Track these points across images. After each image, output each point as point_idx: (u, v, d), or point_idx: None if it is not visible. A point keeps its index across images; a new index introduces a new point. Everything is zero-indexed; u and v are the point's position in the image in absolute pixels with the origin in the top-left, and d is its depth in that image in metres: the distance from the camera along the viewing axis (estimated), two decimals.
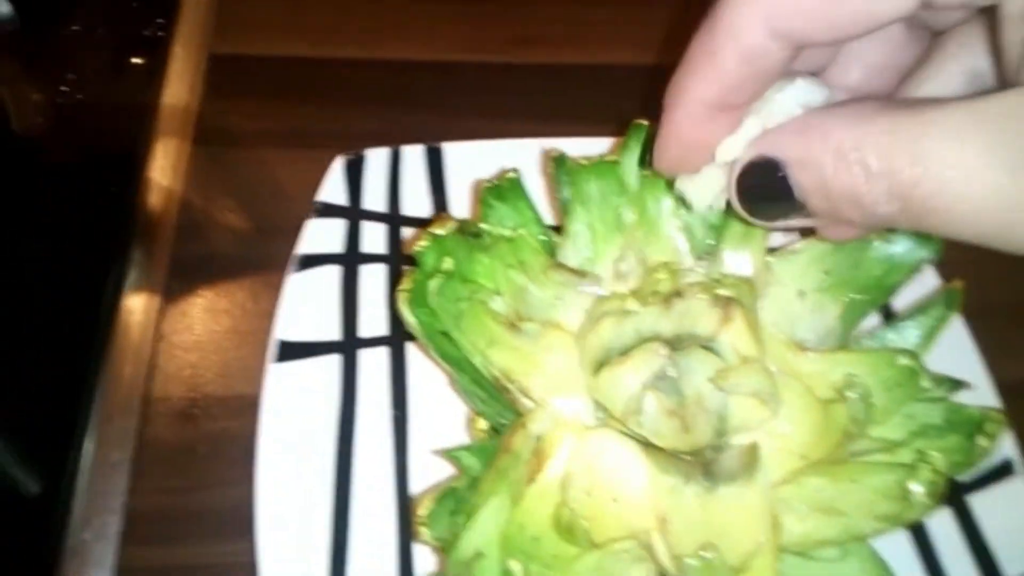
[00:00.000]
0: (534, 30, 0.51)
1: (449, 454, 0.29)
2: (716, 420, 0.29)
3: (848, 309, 0.32)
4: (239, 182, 0.42)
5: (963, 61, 0.21)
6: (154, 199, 0.41)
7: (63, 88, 0.43)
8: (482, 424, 0.31)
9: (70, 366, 0.36)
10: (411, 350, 0.36)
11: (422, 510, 0.27)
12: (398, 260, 0.38)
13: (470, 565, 0.26)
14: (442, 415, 0.35)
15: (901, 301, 0.36)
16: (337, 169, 0.39)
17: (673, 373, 0.28)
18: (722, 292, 0.29)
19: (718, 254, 0.32)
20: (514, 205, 0.32)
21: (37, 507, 0.33)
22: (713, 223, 0.32)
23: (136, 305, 0.38)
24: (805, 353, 0.30)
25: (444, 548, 0.27)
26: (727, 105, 0.21)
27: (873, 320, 0.35)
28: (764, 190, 0.20)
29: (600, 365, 0.29)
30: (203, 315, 0.38)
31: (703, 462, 0.29)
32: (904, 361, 0.29)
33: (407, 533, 0.33)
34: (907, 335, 0.31)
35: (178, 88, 0.45)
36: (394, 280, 0.38)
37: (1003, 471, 0.35)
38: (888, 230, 0.31)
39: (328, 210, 0.38)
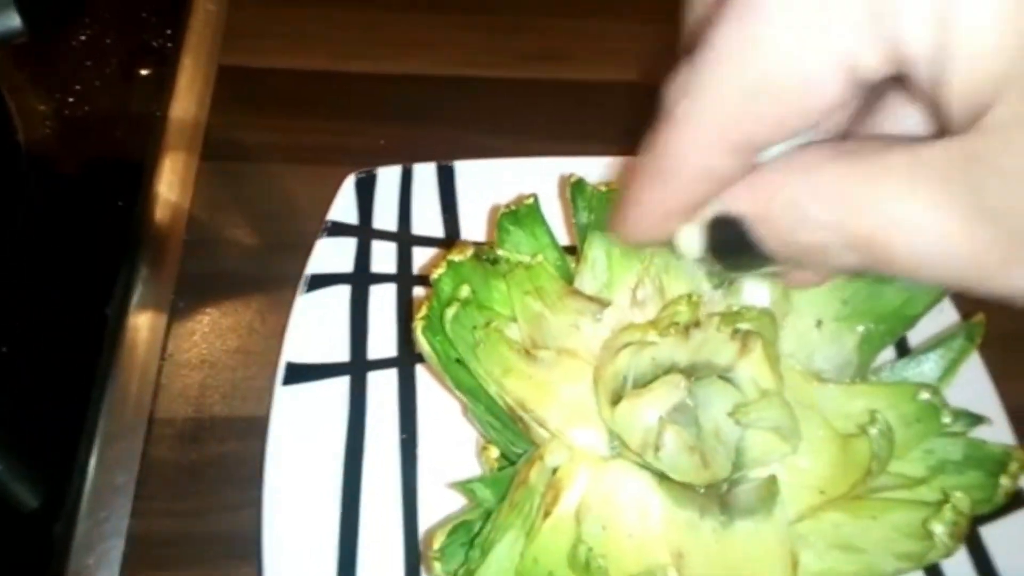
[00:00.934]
0: (546, 45, 0.50)
1: (463, 487, 0.29)
2: (733, 453, 0.28)
3: (865, 340, 0.31)
4: (247, 197, 0.42)
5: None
6: (161, 214, 0.40)
7: (70, 99, 0.43)
8: (494, 452, 0.30)
9: (74, 385, 0.35)
10: (420, 372, 0.36)
11: (436, 544, 0.27)
12: (408, 280, 0.38)
13: None
14: (451, 439, 0.34)
15: (915, 334, 0.36)
16: (348, 187, 0.39)
17: (691, 404, 0.28)
18: (743, 326, 0.28)
19: (736, 283, 0.31)
20: (531, 231, 0.32)
21: (40, 530, 0.32)
22: None
23: (142, 323, 0.37)
24: (824, 385, 0.30)
25: None
26: (687, 209, 0.20)
27: (889, 353, 0.34)
28: (733, 244, 0.20)
29: (616, 395, 0.29)
30: (210, 334, 0.38)
31: (719, 496, 0.28)
32: (925, 396, 0.28)
33: (414, 558, 0.32)
34: (926, 368, 0.31)
35: (186, 100, 0.44)
36: (404, 300, 0.37)
37: (1015, 502, 0.34)
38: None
39: (338, 229, 0.38)
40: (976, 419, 0.29)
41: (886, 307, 0.31)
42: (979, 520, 0.34)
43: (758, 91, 0.17)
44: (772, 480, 0.28)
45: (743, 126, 0.17)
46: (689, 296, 0.30)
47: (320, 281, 0.36)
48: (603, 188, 0.31)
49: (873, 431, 0.27)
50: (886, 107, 0.21)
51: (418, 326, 0.28)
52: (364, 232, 0.38)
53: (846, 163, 0.17)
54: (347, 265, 0.37)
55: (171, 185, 0.41)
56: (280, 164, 0.43)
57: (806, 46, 0.16)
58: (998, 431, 0.34)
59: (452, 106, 0.47)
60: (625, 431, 0.28)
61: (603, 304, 0.31)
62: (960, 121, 0.16)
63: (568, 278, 0.32)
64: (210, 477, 0.34)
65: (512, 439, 0.30)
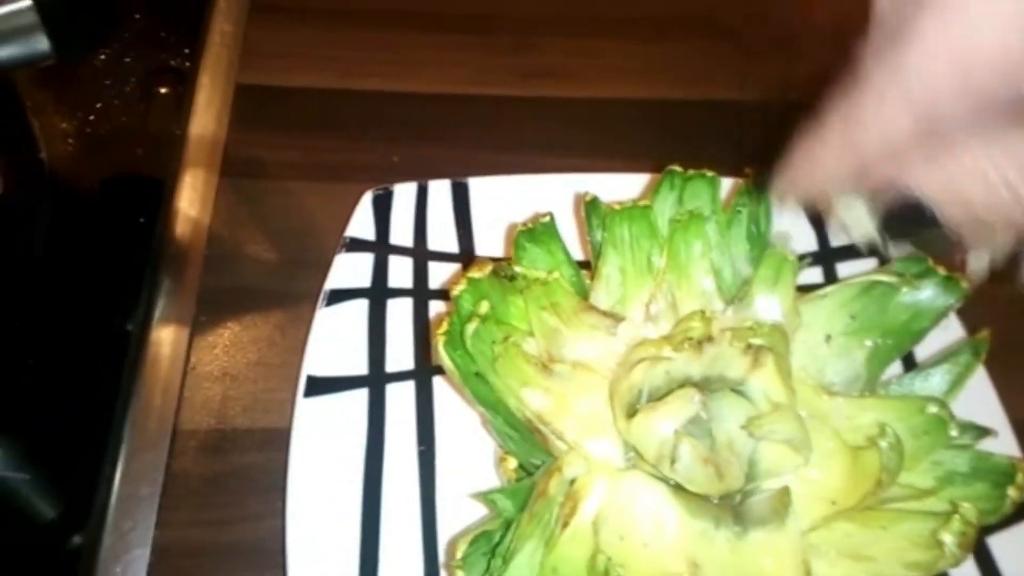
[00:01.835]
0: (548, 64, 0.51)
1: (484, 497, 0.30)
2: (747, 465, 0.29)
3: (873, 354, 0.32)
4: (266, 214, 0.43)
5: None
6: (182, 230, 0.41)
7: (91, 118, 0.44)
8: (512, 463, 0.31)
9: (98, 398, 0.36)
10: (437, 384, 0.37)
11: (458, 553, 0.27)
12: (425, 294, 0.39)
13: None
14: (469, 450, 0.35)
15: (921, 349, 0.37)
16: (365, 204, 0.40)
17: (705, 416, 0.29)
18: (755, 341, 0.29)
19: (747, 298, 0.32)
20: (547, 248, 0.32)
21: (66, 542, 0.33)
22: (739, 270, 0.33)
23: (164, 336, 0.38)
24: (834, 398, 0.31)
25: None
26: (861, 174, 0.20)
27: (897, 368, 0.35)
28: (913, 225, 0.20)
29: (632, 408, 0.29)
30: (231, 347, 0.39)
31: (733, 506, 0.29)
32: (933, 409, 0.29)
33: (434, 566, 0.33)
34: (934, 382, 0.32)
35: (205, 118, 0.45)
36: (421, 314, 0.38)
37: (1021, 513, 0.35)
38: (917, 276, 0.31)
39: (356, 245, 0.39)
40: (982, 431, 0.30)
41: (894, 322, 0.32)
42: (986, 530, 0.35)
43: (968, 65, 0.17)
44: (785, 491, 0.29)
45: (947, 100, 0.18)
46: (702, 312, 0.30)
47: (339, 296, 0.37)
48: (616, 206, 0.32)
49: (883, 443, 0.28)
50: None
51: (439, 341, 0.29)
52: (381, 248, 0.39)
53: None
54: (365, 280, 0.38)
55: (191, 202, 0.42)
56: (297, 180, 0.44)
57: (1012, 27, 0.16)
58: (1004, 443, 0.34)
59: (461, 123, 0.48)
60: (641, 443, 0.29)
61: (617, 319, 0.32)
62: None
63: (583, 294, 0.33)
64: (233, 488, 0.35)
65: (530, 451, 0.30)
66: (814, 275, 0.39)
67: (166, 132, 0.44)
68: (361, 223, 0.39)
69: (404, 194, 0.40)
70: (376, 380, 0.36)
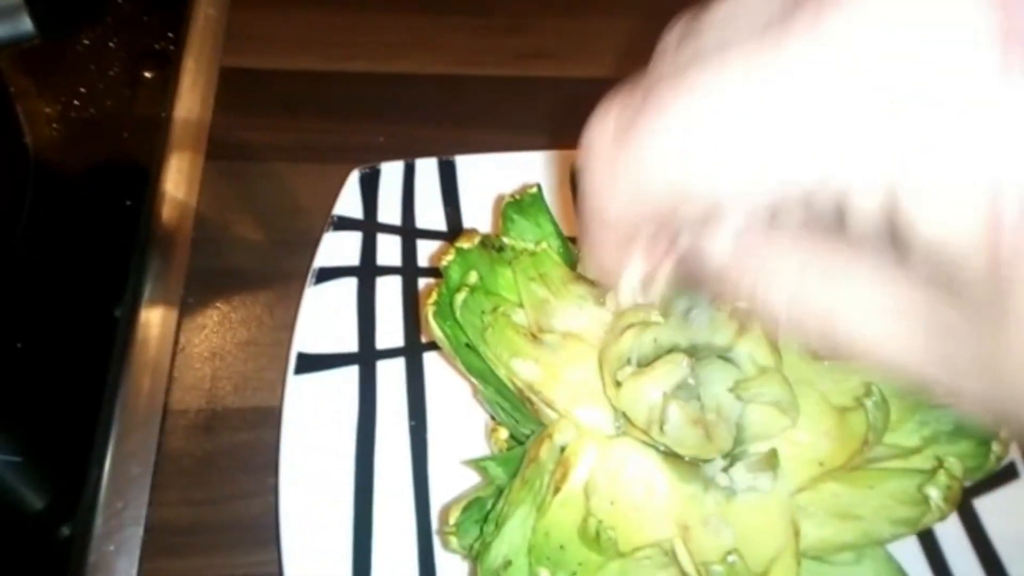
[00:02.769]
0: (537, 45, 0.51)
1: (476, 464, 0.30)
2: (735, 428, 0.30)
3: None
4: (252, 195, 0.43)
5: None
6: (168, 212, 0.41)
7: (76, 102, 0.44)
8: (503, 434, 0.31)
9: (88, 380, 0.36)
10: (428, 360, 0.37)
11: (451, 519, 0.27)
12: (413, 272, 0.39)
13: (500, 573, 0.27)
14: (459, 424, 0.35)
15: None
16: (353, 182, 0.40)
17: (693, 382, 0.29)
18: (741, 304, 0.29)
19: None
20: (535, 219, 0.33)
21: (59, 522, 0.33)
22: None
23: (153, 318, 0.38)
24: (820, 363, 0.31)
25: (474, 557, 0.27)
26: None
27: None
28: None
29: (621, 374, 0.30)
30: (220, 327, 0.39)
31: (722, 469, 0.29)
32: None
33: (427, 539, 0.33)
34: None
35: (190, 101, 0.45)
36: (409, 292, 0.38)
37: (1007, 474, 0.36)
38: None
39: (344, 223, 0.39)
40: None
41: None
42: (972, 492, 0.35)
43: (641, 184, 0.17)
44: (773, 453, 0.29)
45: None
46: None
47: (328, 274, 0.37)
48: None
49: (869, 402, 0.28)
50: None
51: (429, 311, 0.29)
52: (369, 226, 0.39)
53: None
54: (353, 258, 0.38)
55: (177, 184, 0.42)
56: (283, 162, 0.44)
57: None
58: None
59: (448, 103, 0.48)
60: (630, 409, 0.29)
61: (605, 289, 0.32)
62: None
63: (571, 264, 0.33)
64: (224, 466, 0.35)
65: (521, 420, 0.31)
66: None
67: (151, 116, 0.44)
68: (348, 202, 0.39)
69: (391, 172, 0.41)
70: (366, 357, 0.37)
